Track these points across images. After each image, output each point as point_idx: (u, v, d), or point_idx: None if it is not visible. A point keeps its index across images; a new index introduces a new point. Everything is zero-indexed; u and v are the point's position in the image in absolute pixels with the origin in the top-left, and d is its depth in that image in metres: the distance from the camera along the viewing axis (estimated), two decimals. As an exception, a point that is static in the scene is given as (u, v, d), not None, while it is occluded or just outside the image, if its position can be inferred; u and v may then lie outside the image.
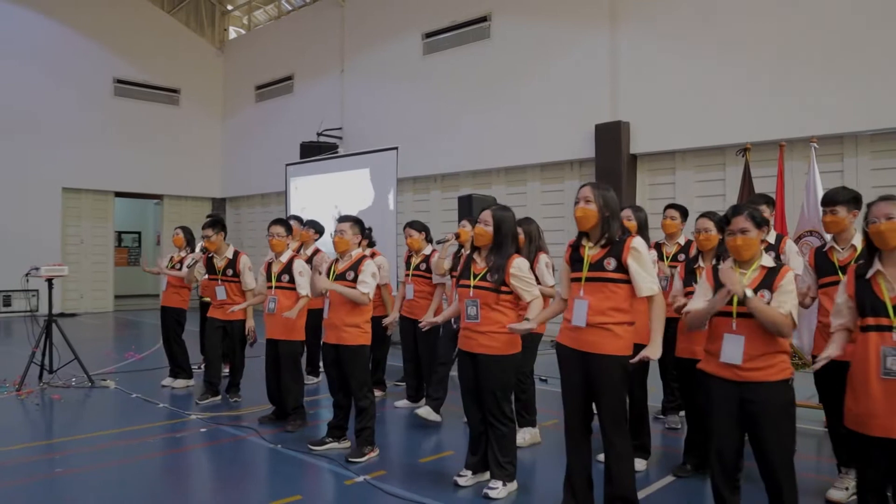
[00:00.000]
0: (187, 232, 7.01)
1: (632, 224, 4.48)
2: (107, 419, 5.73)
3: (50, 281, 6.88)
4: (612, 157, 9.19)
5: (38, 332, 6.77)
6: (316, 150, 12.15)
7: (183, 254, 6.89)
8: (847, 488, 3.65)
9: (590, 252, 3.21)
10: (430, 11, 11.79)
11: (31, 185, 13.69)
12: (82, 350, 7.08)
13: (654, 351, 3.07)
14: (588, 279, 3.19)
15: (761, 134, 7.87)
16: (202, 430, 5.23)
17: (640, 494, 3.52)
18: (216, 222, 6.13)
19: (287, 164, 10.95)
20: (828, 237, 3.95)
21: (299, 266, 5.15)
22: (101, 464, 4.42)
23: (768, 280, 2.89)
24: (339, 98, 13.47)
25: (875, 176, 7.51)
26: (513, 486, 3.78)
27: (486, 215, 3.71)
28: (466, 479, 3.90)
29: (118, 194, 15.42)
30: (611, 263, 3.14)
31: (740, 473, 2.96)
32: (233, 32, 17.33)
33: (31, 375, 6.64)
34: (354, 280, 4.35)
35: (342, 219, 4.55)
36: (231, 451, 4.75)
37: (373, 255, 5.90)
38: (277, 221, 5.28)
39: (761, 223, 2.97)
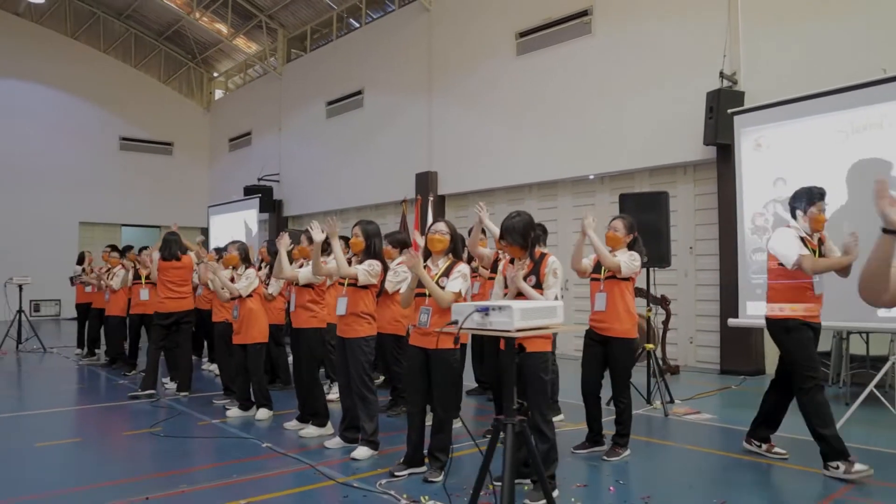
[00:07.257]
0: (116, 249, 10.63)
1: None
2: (33, 364, 9.66)
3: (20, 286, 10.95)
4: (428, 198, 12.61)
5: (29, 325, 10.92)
6: (255, 192, 16.17)
7: (115, 269, 10.16)
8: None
9: None
10: (333, 84, 15.56)
11: (54, 220, 18.13)
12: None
13: None
14: None
15: (516, 179, 11.29)
16: (83, 373, 9.08)
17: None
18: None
19: (209, 206, 14.91)
20: None
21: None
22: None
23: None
24: (278, 150, 17.39)
25: (577, 212, 10.70)
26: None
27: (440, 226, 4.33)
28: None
29: (124, 225, 19.79)
30: None
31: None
32: (219, 93, 21.62)
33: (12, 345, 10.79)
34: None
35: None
36: (80, 374, 8.55)
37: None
38: (109, 247, 9.18)
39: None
